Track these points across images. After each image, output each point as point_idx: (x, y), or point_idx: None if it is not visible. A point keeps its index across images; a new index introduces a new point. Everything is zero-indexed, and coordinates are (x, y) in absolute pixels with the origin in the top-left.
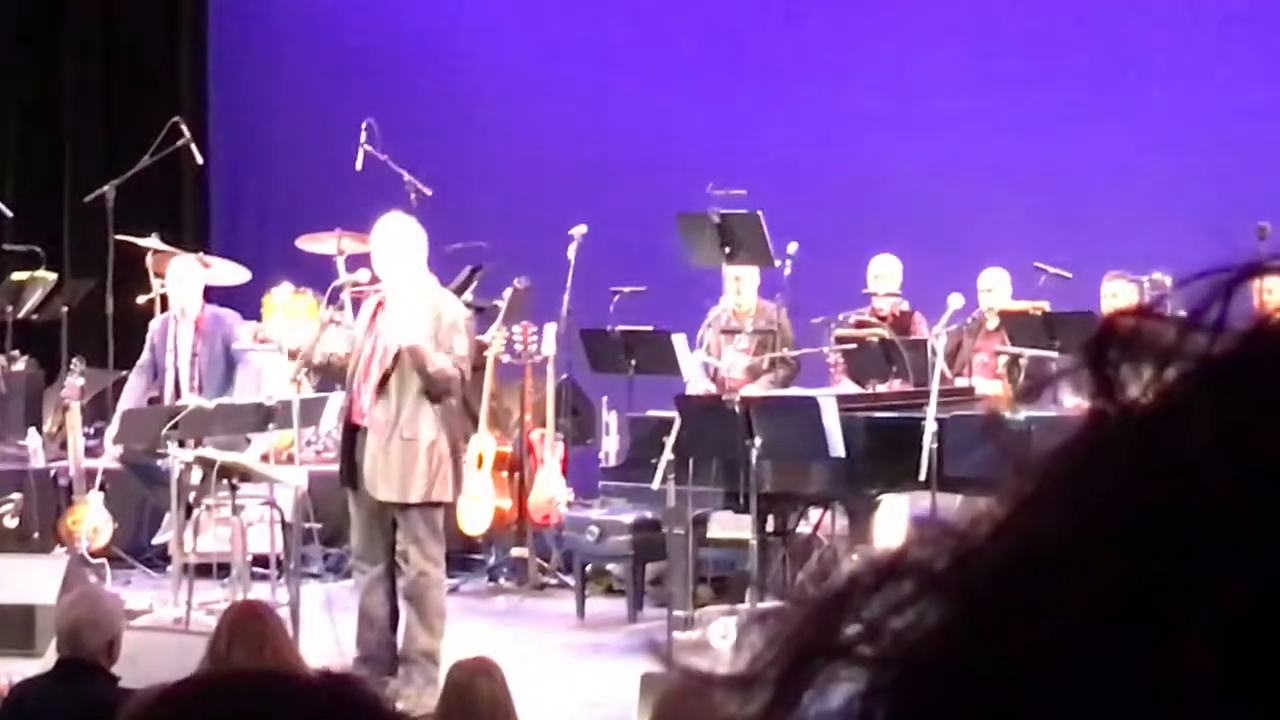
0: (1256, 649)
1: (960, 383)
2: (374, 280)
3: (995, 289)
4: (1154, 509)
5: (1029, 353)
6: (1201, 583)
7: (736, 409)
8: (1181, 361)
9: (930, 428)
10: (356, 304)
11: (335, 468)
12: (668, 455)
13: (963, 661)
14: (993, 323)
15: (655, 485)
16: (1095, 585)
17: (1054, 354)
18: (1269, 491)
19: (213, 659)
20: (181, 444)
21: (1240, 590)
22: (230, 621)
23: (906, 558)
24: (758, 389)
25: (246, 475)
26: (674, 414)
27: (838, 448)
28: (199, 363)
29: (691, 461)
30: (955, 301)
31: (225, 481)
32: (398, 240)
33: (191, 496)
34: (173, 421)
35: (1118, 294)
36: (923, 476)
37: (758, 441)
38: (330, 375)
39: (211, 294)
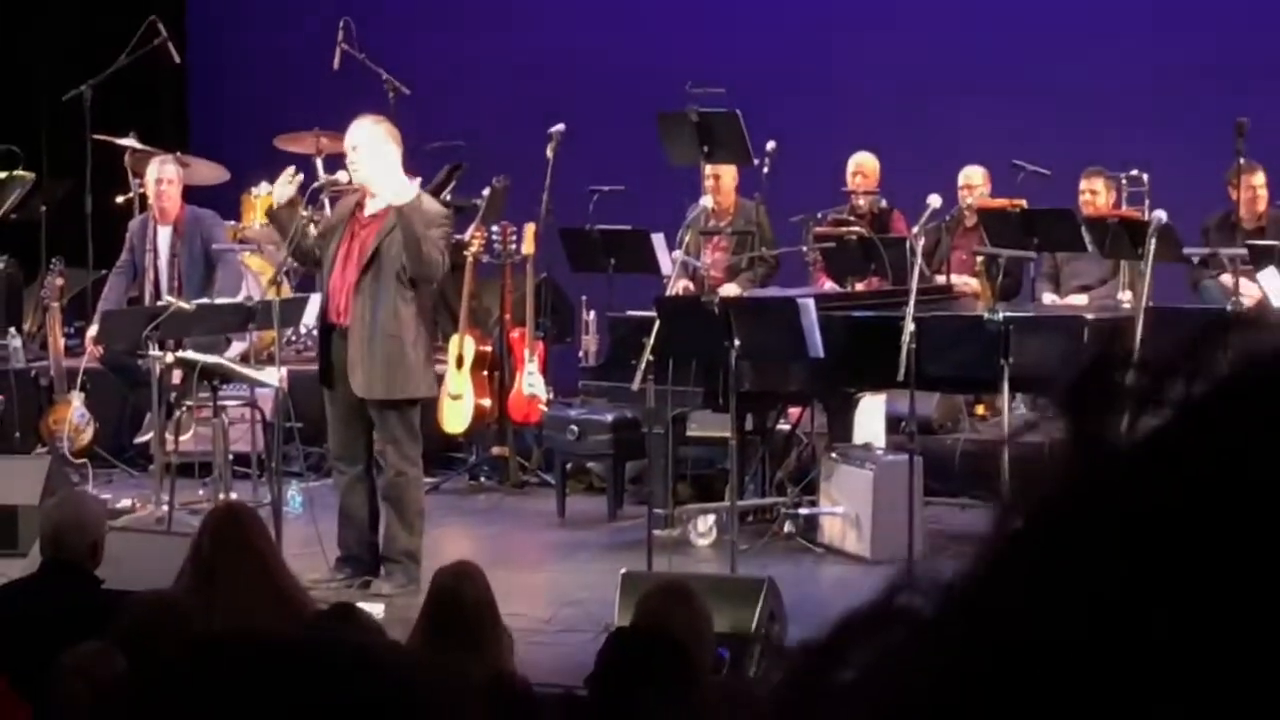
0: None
1: (940, 280)
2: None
3: (973, 186)
4: (1140, 563)
5: (1007, 253)
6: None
7: (715, 310)
8: (1160, 407)
9: (909, 327)
10: (334, 204)
11: (316, 367)
12: (647, 357)
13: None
14: (971, 220)
15: (635, 386)
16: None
17: (1031, 254)
18: (1254, 541)
19: (195, 562)
20: (162, 345)
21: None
22: (213, 525)
23: (895, 604)
24: (736, 288)
25: (227, 376)
26: (653, 314)
27: (816, 348)
28: (178, 263)
29: (671, 362)
30: (934, 201)
31: (206, 382)
32: (372, 140)
33: (172, 397)
34: (153, 323)
35: (1096, 190)
36: (900, 376)
37: (737, 342)
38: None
39: (190, 194)
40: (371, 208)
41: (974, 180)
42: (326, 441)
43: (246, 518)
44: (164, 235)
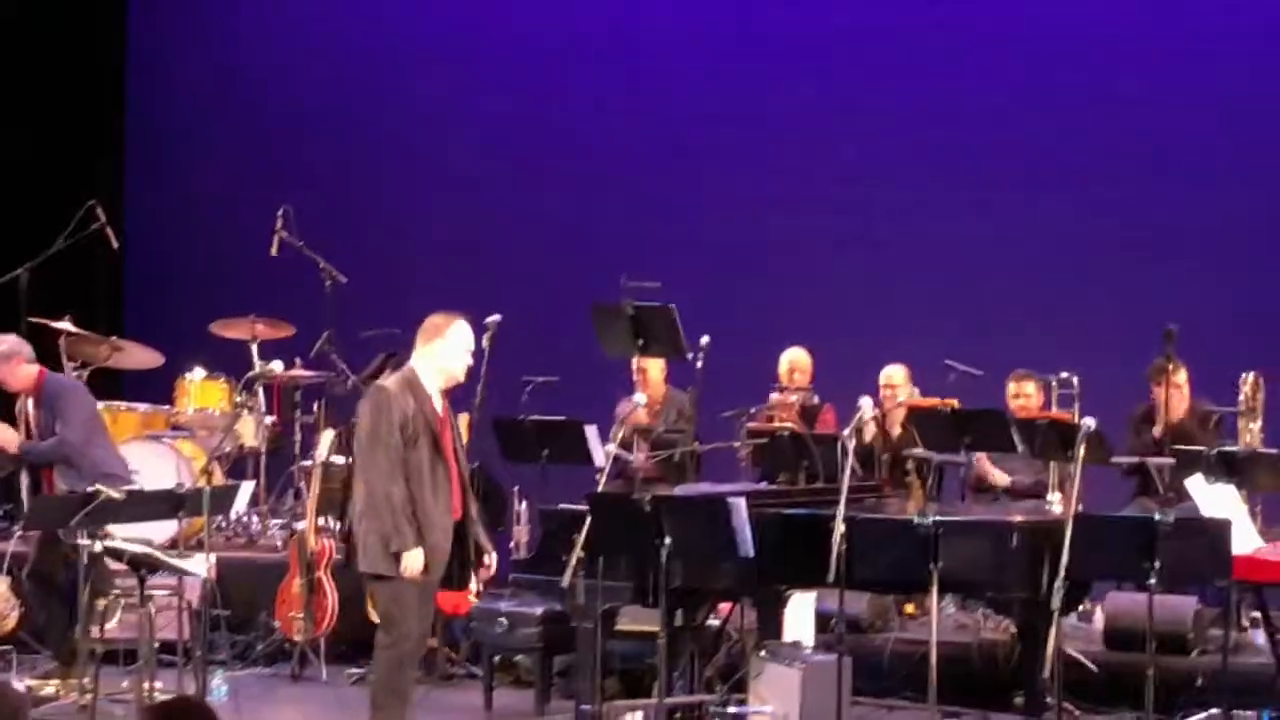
0: None
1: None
2: (289, 369)
3: (895, 386)
4: None
5: (939, 457)
6: None
7: (647, 508)
8: None
9: (839, 528)
10: (270, 392)
11: (245, 554)
12: (577, 553)
13: None
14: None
15: (564, 583)
16: None
17: (960, 458)
18: None
19: None
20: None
21: None
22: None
23: None
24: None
25: (155, 565)
26: (584, 507)
27: (747, 548)
28: (36, 435)
29: (601, 556)
30: (865, 405)
31: (133, 570)
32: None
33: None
34: (82, 510)
35: (1028, 394)
36: (830, 578)
37: (667, 540)
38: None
39: (123, 377)
40: (438, 403)
41: (895, 380)
42: (254, 629)
43: (197, 710)
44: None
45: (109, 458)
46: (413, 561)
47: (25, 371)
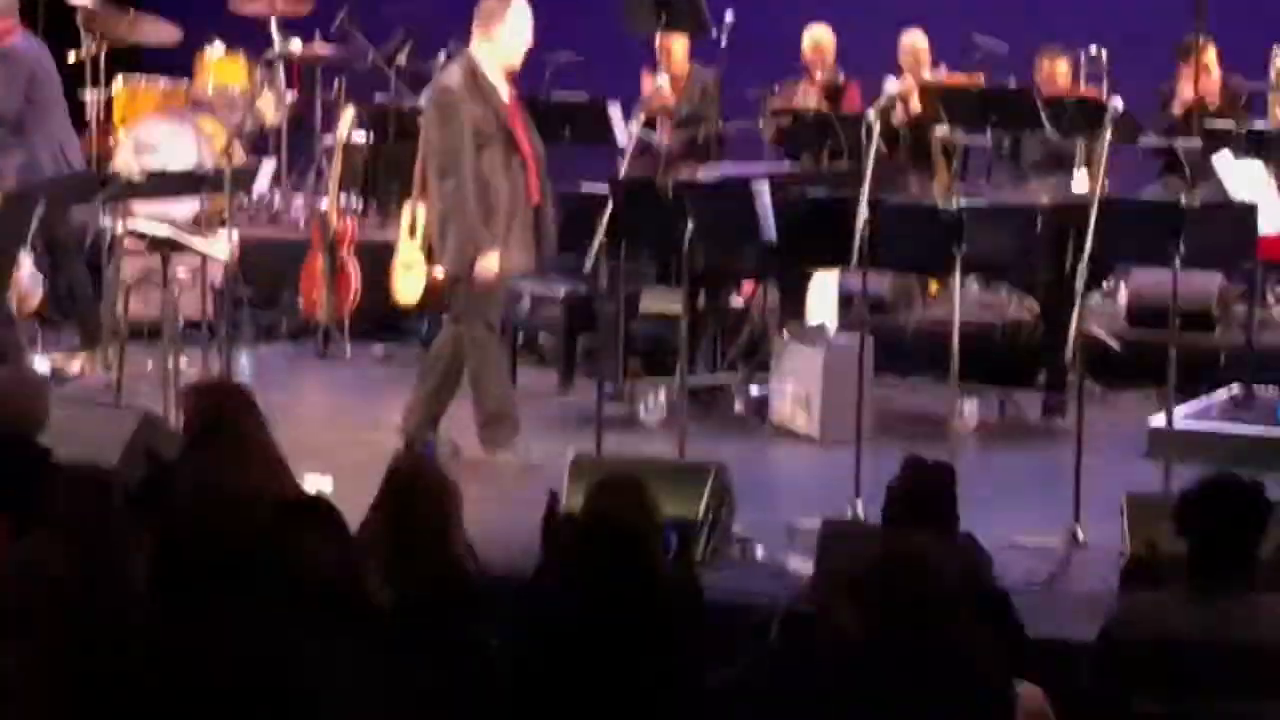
0: None
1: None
2: (308, 45)
3: (919, 51)
4: None
5: (963, 140)
6: None
7: (670, 193)
8: None
9: (863, 214)
10: (290, 68)
11: (267, 232)
12: (600, 238)
13: None
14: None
15: (586, 268)
16: None
17: (986, 139)
18: None
19: (189, 432)
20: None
21: None
22: (206, 396)
23: None
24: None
25: (178, 246)
26: (606, 191)
27: (770, 232)
28: None
29: (624, 240)
30: (891, 85)
31: (158, 252)
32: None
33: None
34: (104, 189)
35: (1059, 72)
36: (855, 262)
37: (690, 225)
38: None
39: (141, 53)
40: (504, 92)
41: (916, 45)
42: (276, 307)
43: (240, 393)
44: None
45: (50, 140)
46: (488, 264)
47: None
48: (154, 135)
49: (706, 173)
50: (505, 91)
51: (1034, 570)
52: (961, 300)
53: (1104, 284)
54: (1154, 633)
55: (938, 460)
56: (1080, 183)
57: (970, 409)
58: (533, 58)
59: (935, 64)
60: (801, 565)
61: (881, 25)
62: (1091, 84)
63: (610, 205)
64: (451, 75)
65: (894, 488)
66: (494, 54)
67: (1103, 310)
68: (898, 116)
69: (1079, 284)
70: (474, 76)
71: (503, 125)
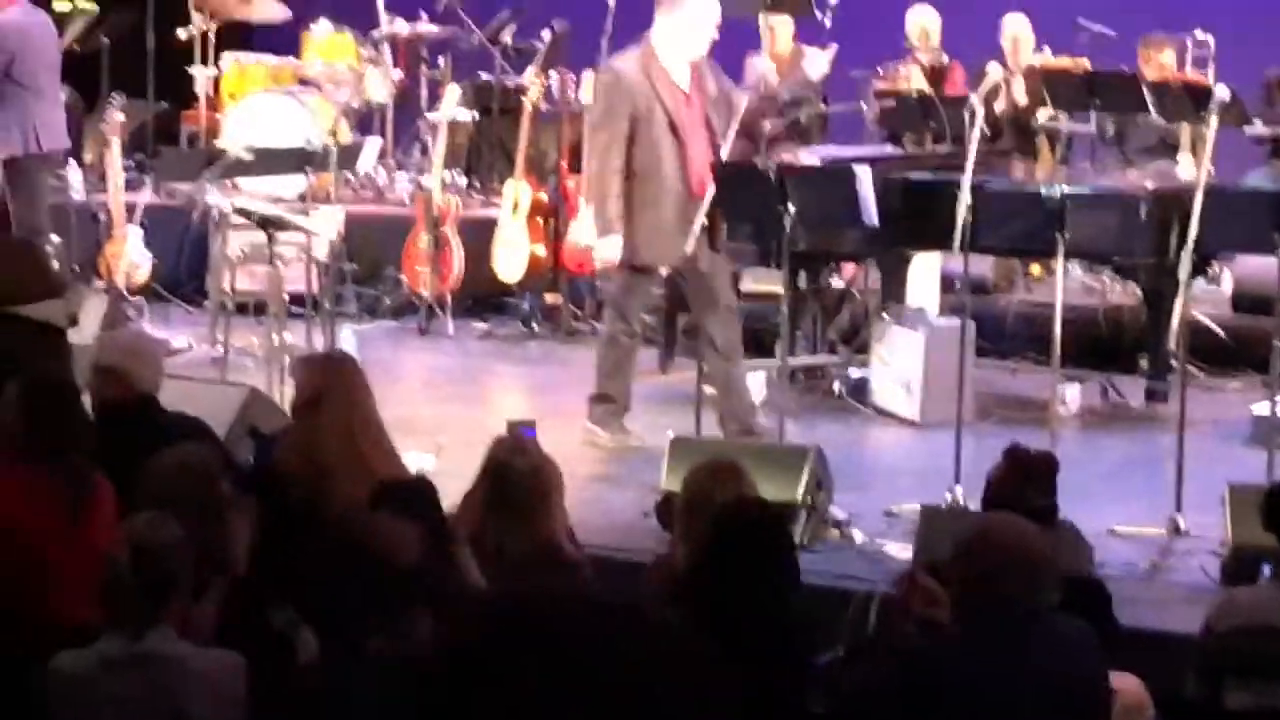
0: None
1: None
2: (414, 23)
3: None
4: None
5: (1067, 126)
6: None
7: (771, 176)
8: None
9: (965, 199)
10: (395, 46)
11: (372, 208)
12: (700, 220)
13: None
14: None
15: (688, 250)
16: None
17: (1090, 124)
18: None
19: (299, 414)
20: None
21: None
22: (318, 370)
23: None
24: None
25: (284, 225)
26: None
27: (871, 217)
28: None
29: (726, 222)
30: (994, 71)
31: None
32: None
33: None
34: (211, 165)
35: (1164, 63)
36: (956, 247)
37: (792, 208)
38: None
39: (251, 30)
40: (679, 78)
41: (1018, 29)
42: (380, 283)
43: (350, 367)
44: None
45: (31, 114)
46: (604, 249)
47: None
48: (261, 112)
49: (809, 155)
50: (684, 80)
51: (1134, 559)
52: (1064, 284)
53: (1208, 270)
54: (1251, 626)
55: (1039, 449)
56: (1185, 168)
57: (1072, 394)
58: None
59: (1039, 48)
60: (900, 550)
61: (985, 8)
62: (1197, 69)
63: (712, 189)
64: (624, 55)
65: (994, 476)
66: (673, 40)
67: (1206, 296)
68: (1001, 100)
69: (1183, 270)
70: (647, 59)
71: (666, 112)
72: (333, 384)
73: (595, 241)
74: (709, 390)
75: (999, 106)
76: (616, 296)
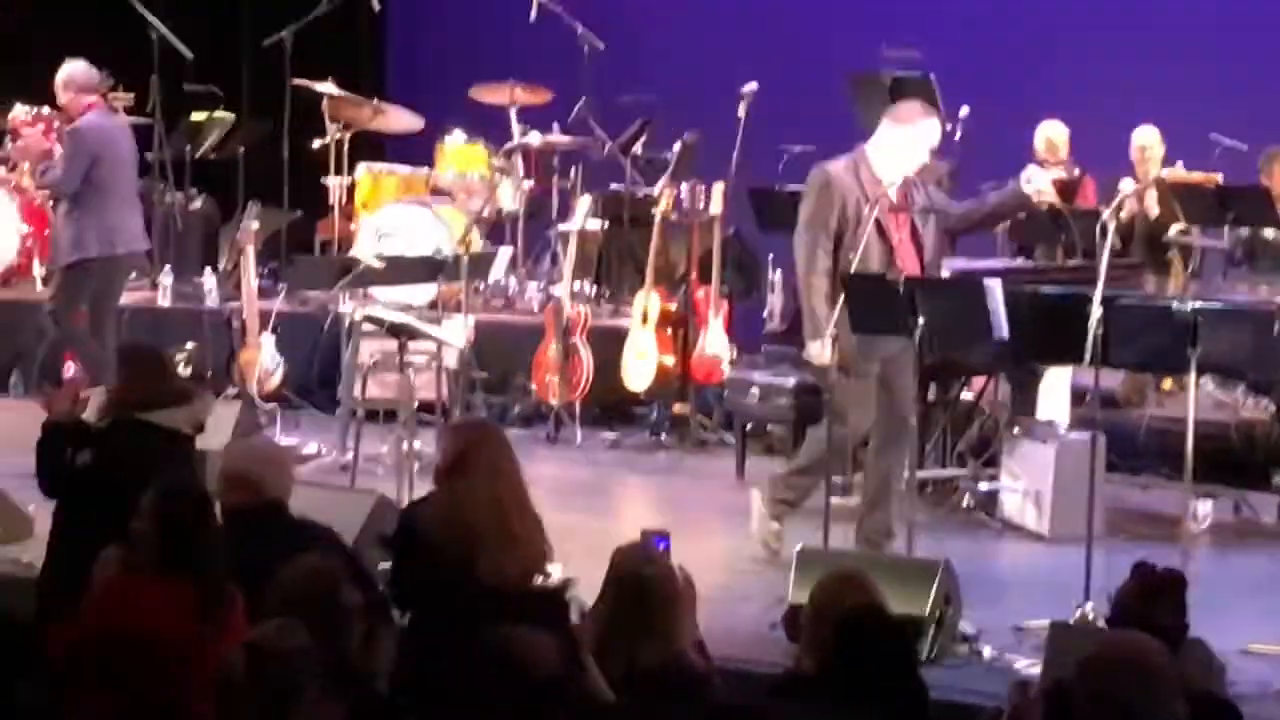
0: None
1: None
2: (546, 134)
3: (1146, 149)
4: None
5: (1200, 242)
6: None
7: (901, 289)
8: None
9: (1096, 313)
10: (528, 156)
11: (503, 317)
12: (830, 332)
13: None
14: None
15: (827, 358)
16: None
17: (1221, 242)
18: None
19: (443, 479)
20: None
21: None
22: (463, 442)
23: None
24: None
25: (415, 333)
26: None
27: (1001, 330)
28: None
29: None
30: (1127, 186)
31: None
32: None
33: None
34: (343, 276)
35: None
36: (1087, 360)
37: (921, 320)
38: None
39: (385, 141)
40: (889, 188)
41: (1148, 141)
42: (510, 391)
43: (496, 433)
44: None
45: (107, 218)
46: (814, 352)
47: (74, 101)
48: (394, 221)
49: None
50: (894, 189)
51: (1268, 679)
52: (1196, 399)
53: None
54: None
55: (1168, 568)
56: None
57: (1204, 510)
58: (767, 148)
59: (1171, 161)
60: (1028, 667)
61: (1115, 121)
62: None
63: (842, 298)
64: (835, 160)
65: (1121, 593)
66: (891, 150)
67: None
68: (1132, 213)
69: None
70: (860, 164)
71: (876, 218)
72: (478, 449)
73: (809, 343)
74: (843, 501)
75: (1130, 218)
76: (833, 399)
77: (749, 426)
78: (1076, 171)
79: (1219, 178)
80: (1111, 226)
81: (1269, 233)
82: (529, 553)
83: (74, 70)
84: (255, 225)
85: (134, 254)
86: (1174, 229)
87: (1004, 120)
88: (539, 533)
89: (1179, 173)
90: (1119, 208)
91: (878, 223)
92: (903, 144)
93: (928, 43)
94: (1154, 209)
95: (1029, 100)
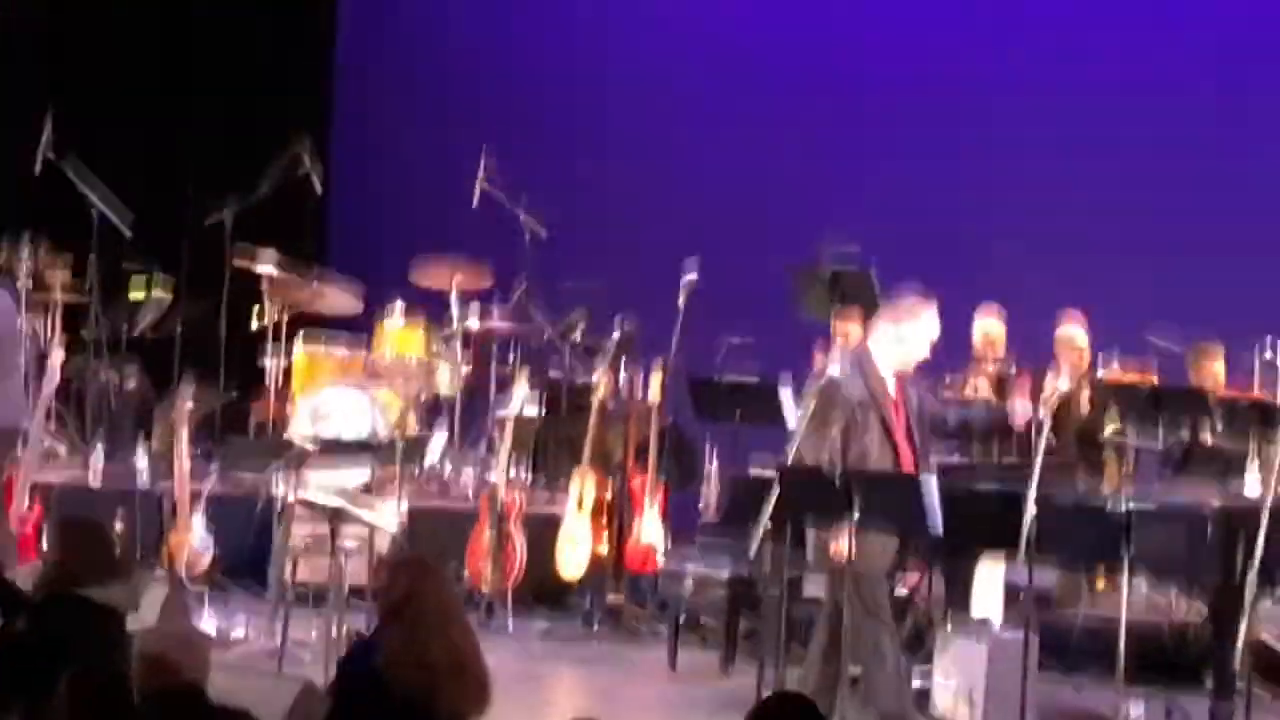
0: None
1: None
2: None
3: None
4: None
5: (1135, 442)
6: None
7: (837, 482)
8: None
9: (1030, 511)
10: (466, 340)
11: (437, 502)
12: (764, 524)
13: None
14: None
15: (751, 554)
16: None
17: (1156, 443)
18: None
19: (391, 617)
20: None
21: None
22: (411, 580)
23: None
24: None
25: (348, 518)
26: (774, 473)
27: (936, 526)
28: None
29: (789, 525)
30: (1062, 384)
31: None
32: None
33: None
34: (276, 459)
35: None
36: (1021, 557)
37: (856, 514)
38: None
39: (323, 321)
40: (890, 384)
41: (1075, 338)
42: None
43: (440, 568)
44: None
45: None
46: (836, 548)
47: None
48: (330, 404)
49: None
50: (892, 383)
51: None
52: (1129, 599)
53: (1275, 589)
54: None
55: None
56: (1252, 486)
57: (1136, 712)
58: (707, 338)
59: (1106, 358)
60: None
61: (1048, 314)
62: (1265, 385)
63: (777, 489)
64: (839, 366)
65: None
66: (893, 349)
67: (1273, 616)
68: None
69: (1249, 589)
70: (867, 365)
71: (880, 411)
72: (426, 588)
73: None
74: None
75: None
76: (850, 594)
77: (683, 617)
78: (1013, 369)
79: (1154, 377)
80: (1046, 423)
81: (1207, 436)
82: (483, 695)
83: None
84: (189, 404)
85: (6, 429)
86: (1109, 429)
87: (942, 314)
88: (487, 673)
89: (1115, 372)
90: (1053, 404)
91: (884, 424)
92: (904, 338)
93: (865, 235)
94: (1085, 406)
95: (967, 291)
